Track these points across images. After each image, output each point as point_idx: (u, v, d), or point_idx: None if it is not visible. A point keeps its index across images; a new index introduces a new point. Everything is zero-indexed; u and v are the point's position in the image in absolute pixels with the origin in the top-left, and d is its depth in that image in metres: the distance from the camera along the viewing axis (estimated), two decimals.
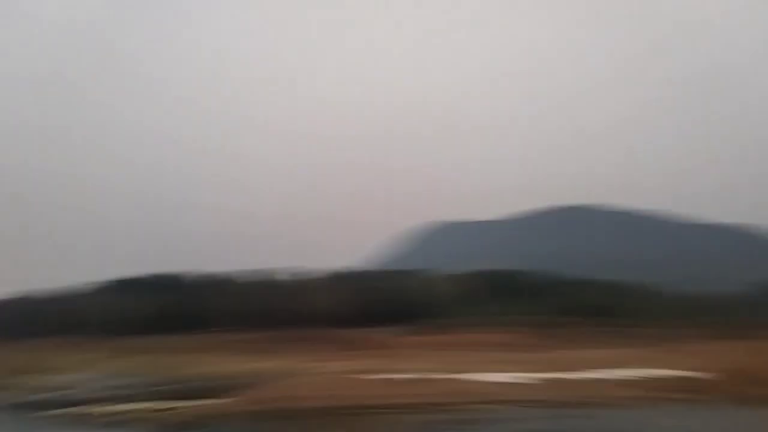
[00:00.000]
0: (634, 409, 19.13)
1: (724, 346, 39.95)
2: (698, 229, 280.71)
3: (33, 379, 45.71)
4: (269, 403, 20.70)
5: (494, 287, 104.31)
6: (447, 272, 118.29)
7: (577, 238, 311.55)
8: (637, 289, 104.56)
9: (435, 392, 22.31)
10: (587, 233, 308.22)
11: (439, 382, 23.82)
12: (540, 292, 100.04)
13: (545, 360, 35.48)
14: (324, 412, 19.52)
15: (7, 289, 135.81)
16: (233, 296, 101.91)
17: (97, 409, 21.51)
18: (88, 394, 28.95)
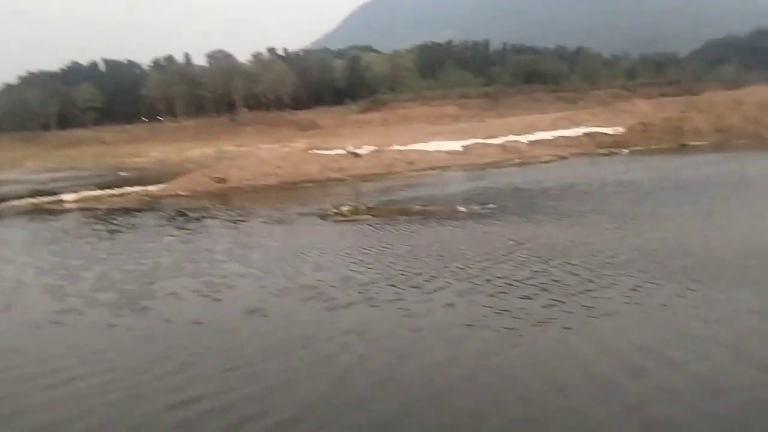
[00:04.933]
0: (555, 163, 22.61)
1: (653, 104, 43.50)
2: None
3: None
4: (228, 182, 21.92)
5: (439, 60, 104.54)
6: (393, 48, 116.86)
7: (529, 3, 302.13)
8: (578, 55, 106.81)
9: (386, 162, 25.19)
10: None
11: (389, 153, 26.48)
12: (485, 62, 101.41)
13: (486, 127, 38.50)
14: (286, 185, 21.47)
15: None
16: (186, 83, 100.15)
17: (48, 199, 20.91)
18: (37, 186, 29.37)
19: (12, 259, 11.06)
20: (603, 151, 24.69)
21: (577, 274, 7.35)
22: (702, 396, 4.26)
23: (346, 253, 9.52)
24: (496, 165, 22.93)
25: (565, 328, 5.64)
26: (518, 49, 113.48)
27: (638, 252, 8.20)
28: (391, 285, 7.50)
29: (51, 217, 16.92)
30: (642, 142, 25.50)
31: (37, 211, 18.55)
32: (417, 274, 7.96)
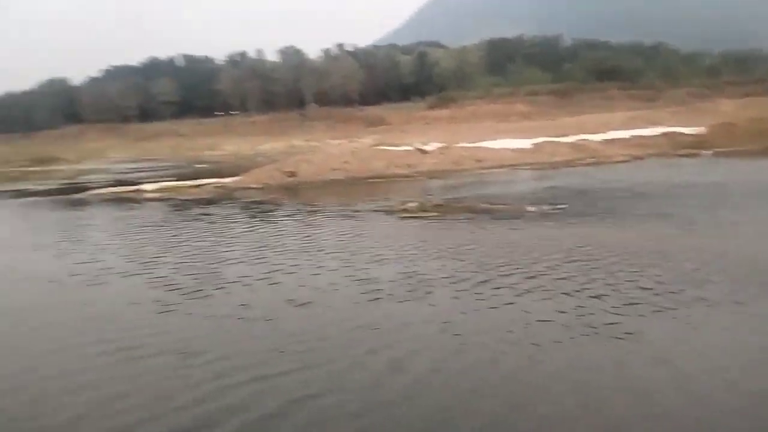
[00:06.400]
0: (630, 164, 21.84)
1: (737, 104, 41.25)
2: None
3: (69, 164, 48.70)
4: (298, 176, 22.28)
5: (508, 55, 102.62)
6: (462, 43, 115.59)
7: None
8: (656, 51, 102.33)
9: (453, 159, 25.06)
10: None
11: (456, 150, 26.37)
12: (557, 58, 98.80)
13: (556, 125, 37.59)
14: (354, 180, 21.80)
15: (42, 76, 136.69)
16: (258, 79, 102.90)
17: (128, 188, 21.88)
18: (118, 176, 30.62)
19: (105, 243, 11.66)
20: (682, 152, 23.60)
21: (658, 284, 7.01)
22: None
23: (410, 250, 9.51)
24: (567, 164, 22.37)
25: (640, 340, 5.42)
26: (591, 45, 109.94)
27: (724, 263, 7.77)
28: (449, 283, 7.45)
29: (132, 205, 17.80)
30: (726, 143, 24.20)
31: (119, 200, 19.56)
32: (476, 273, 7.86)
